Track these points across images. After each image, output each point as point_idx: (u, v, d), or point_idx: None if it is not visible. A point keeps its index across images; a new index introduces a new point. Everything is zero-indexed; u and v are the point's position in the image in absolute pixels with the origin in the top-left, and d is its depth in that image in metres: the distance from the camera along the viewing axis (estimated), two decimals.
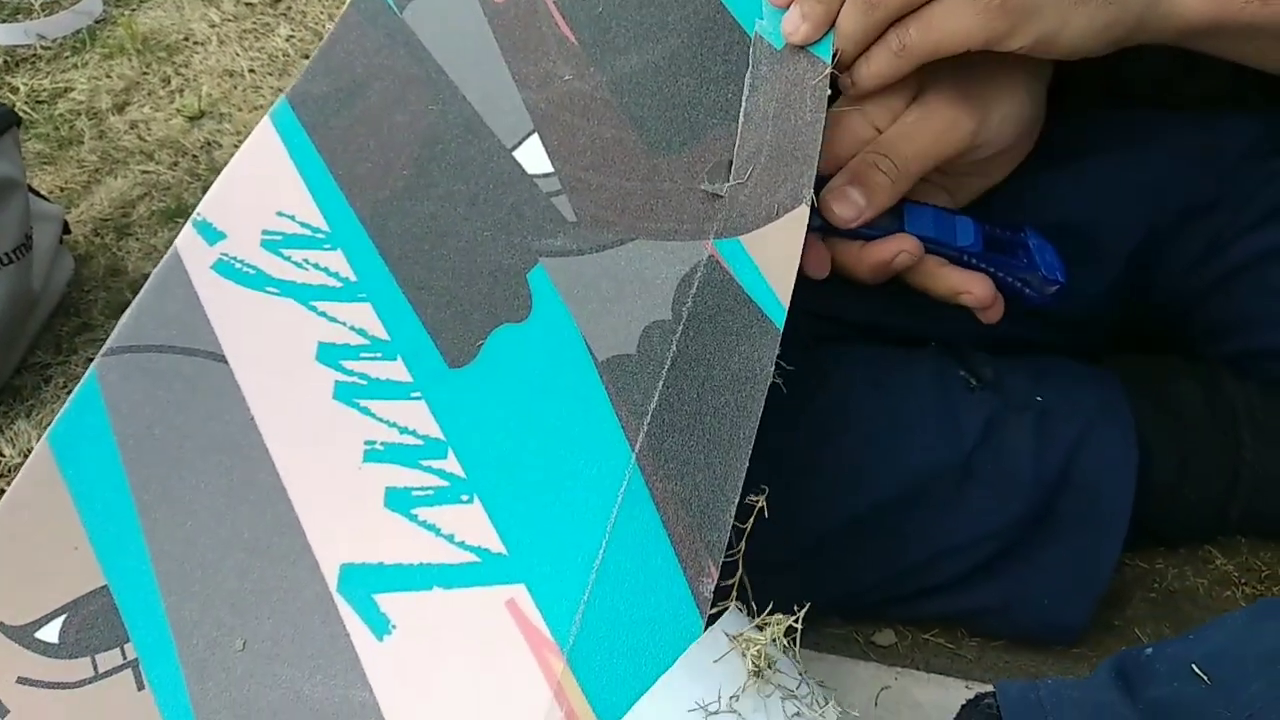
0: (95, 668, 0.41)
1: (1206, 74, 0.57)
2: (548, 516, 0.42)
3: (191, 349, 0.47)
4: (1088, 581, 0.57)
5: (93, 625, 0.42)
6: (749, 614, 0.40)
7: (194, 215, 0.51)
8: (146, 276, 0.49)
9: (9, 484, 0.45)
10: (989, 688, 0.48)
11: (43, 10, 1.17)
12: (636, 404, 0.44)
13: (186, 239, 0.50)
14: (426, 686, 0.40)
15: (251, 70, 1.11)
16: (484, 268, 0.49)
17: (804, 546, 0.56)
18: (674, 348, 0.45)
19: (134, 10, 1.20)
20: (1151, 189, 0.60)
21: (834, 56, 0.49)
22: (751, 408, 0.43)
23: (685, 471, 0.42)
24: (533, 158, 0.51)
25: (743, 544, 0.41)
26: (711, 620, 0.40)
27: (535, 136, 0.52)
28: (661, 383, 0.44)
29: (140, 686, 0.41)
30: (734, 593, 0.41)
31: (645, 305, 0.46)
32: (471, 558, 0.42)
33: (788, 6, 0.49)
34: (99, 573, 0.43)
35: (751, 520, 0.42)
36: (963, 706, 0.48)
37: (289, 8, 1.20)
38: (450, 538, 0.42)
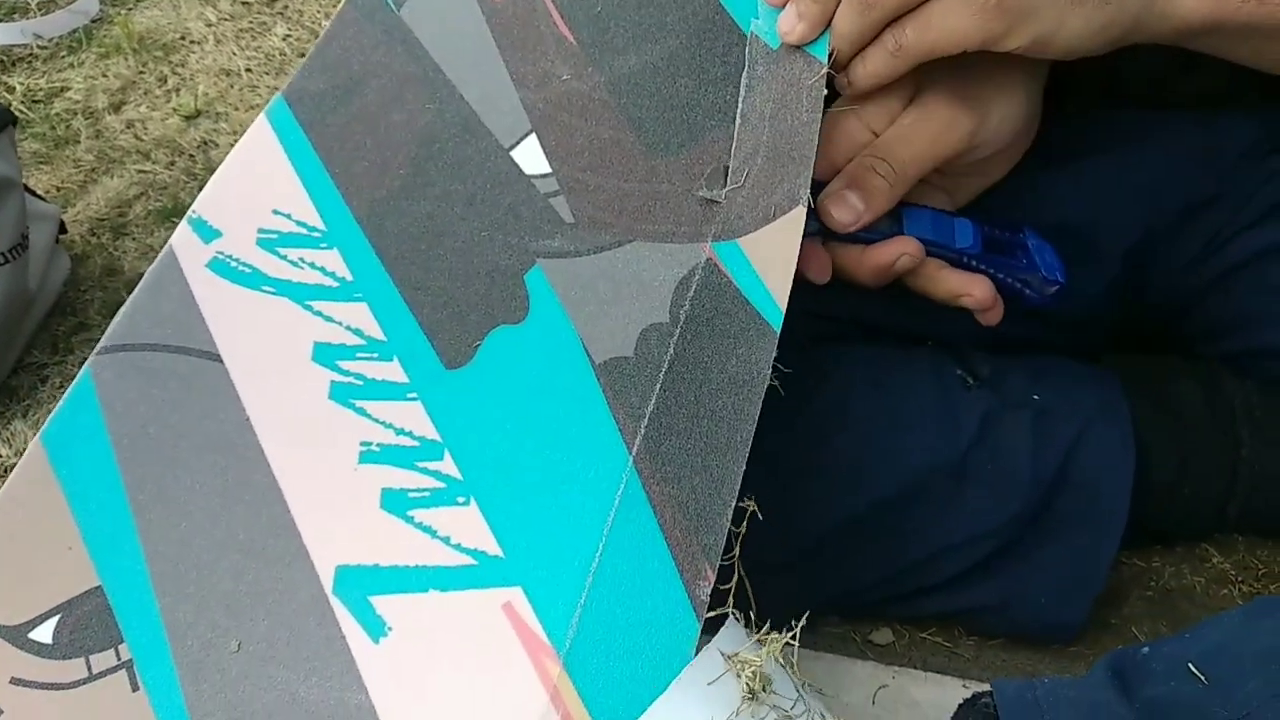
0: (89, 669, 0.41)
1: (1203, 73, 0.57)
2: (544, 519, 0.42)
3: (186, 348, 0.47)
4: (1085, 580, 0.57)
5: (87, 626, 0.42)
6: (746, 622, 0.40)
7: (189, 213, 0.50)
8: (143, 276, 0.49)
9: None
10: (986, 687, 0.48)
11: (39, 9, 1.17)
12: (634, 407, 0.44)
13: (182, 237, 0.50)
14: (422, 689, 0.40)
15: (248, 69, 1.10)
16: (481, 268, 0.49)
17: (803, 547, 0.56)
18: (671, 351, 0.45)
19: (130, 9, 1.19)
20: (1149, 188, 0.60)
21: (830, 56, 0.48)
22: (749, 411, 0.43)
23: (682, 475, 0.42)
24: (530, 158, 0.51)
25: (738, 547, 0.41)
26: (710, 624, 0.39)
27: (533, 136, 0.52)
28: (659, 386, 0.44)
29: (134, 688, 0.41)
30: (731, 598, 0.41)
31: (643, 307, 0.46)
32: (468, 560, 0.42)
33: (783, 6, 0.49)
34: (93, 573, 0.43)
35: (745, 523, 0.42)
36: (960, 706, 0.48)
37: (285, 7, 1.20)
38: (446, 540, 0.42)
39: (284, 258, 0.49)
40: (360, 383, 0.46)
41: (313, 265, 0.49)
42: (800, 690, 0.39)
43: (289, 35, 1.15)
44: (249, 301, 0.48)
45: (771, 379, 0.43)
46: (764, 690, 0.38)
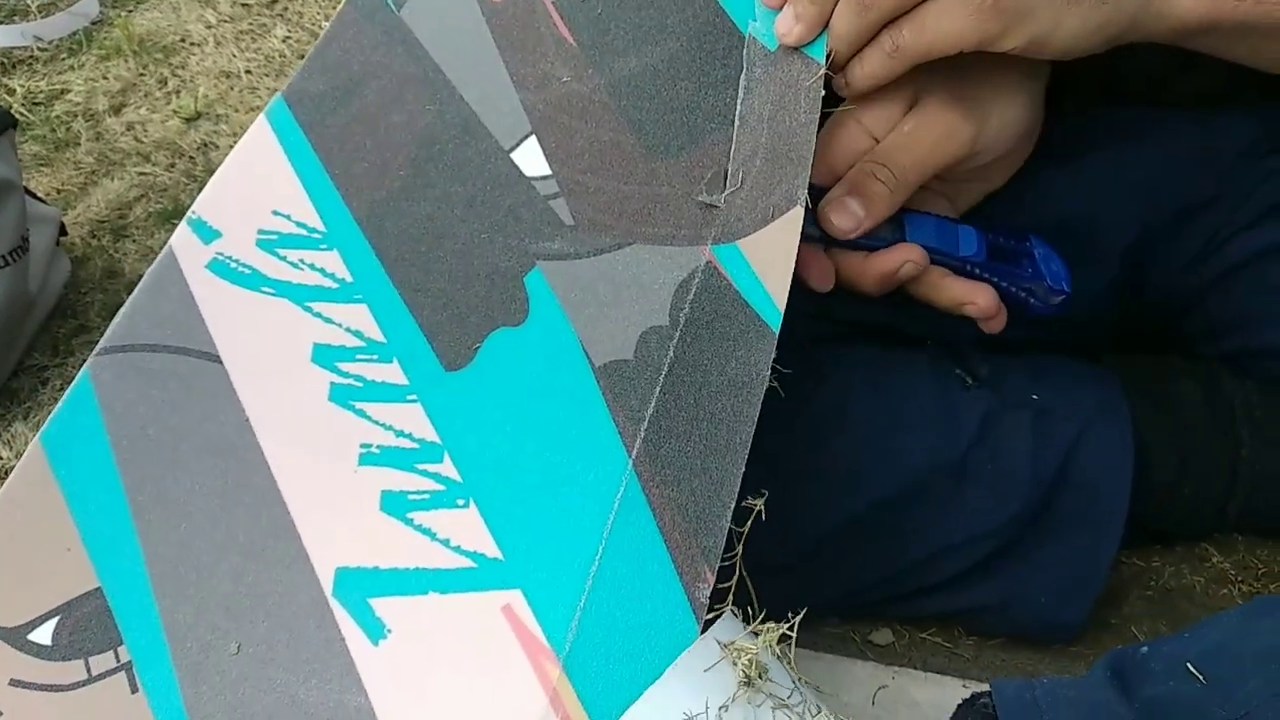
0: (88, 670, 0.41)
1: (1202, 72, 0.57)
2: (544, 522, 0.42)
3: (186, 349, 0.47)
4: (1085, 580, 0.57)
5: (86, 627, 0.42)
6: (745, 619, 0.40)
7: (189, 214, 0.50)
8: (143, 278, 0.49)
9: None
10: (985, 687, 0.48)
11: (39, 12, 1.17)
12: (634, 409, 0.44)
13: (181, 238, 0.50)
14: (422, 691, 0.40)
15: (248, 71, 1.10)
16: (481, 270, 0.49)
17: (802, 548, 0.56)
18: (671, 353, 0.45)
19: (130, 12, 1.20)
20: (1147, 186, 0.60)
21: (828, 58, 0.48)
22: (748, 414, 0.43)
23: (682, 477, 0.42)
24: (530, 160, 0.51)
25: (740, 548, 0.41)
26: (709, 625, 0.39)
27: (533, 138, 0.52)
28: (659, 388, 0.44)
29: (134, 689, 0.41)
30: (730, 597, 0.41)
31: (643, 310, 0.46)
32: (467, 562, 0.42)
33: (781, 7, 0.49)
34: (92, 574, 0.43)
35: (749, 524, 0.42)
36: (959, 706, 0.48)
37: (285, 8, 1.20)
38: (446, 542, 0.42)
39: (284, 259, 0.49)
40: (360, 384, 0.46)
41: (312, 266, 0.49)
42: (796, 682, 0.39)
43: (289, 37, 1.15)
44: (249, 302, 0.48)
45: (771, 380, 0.43)
46: (760, 678, 0.38)
